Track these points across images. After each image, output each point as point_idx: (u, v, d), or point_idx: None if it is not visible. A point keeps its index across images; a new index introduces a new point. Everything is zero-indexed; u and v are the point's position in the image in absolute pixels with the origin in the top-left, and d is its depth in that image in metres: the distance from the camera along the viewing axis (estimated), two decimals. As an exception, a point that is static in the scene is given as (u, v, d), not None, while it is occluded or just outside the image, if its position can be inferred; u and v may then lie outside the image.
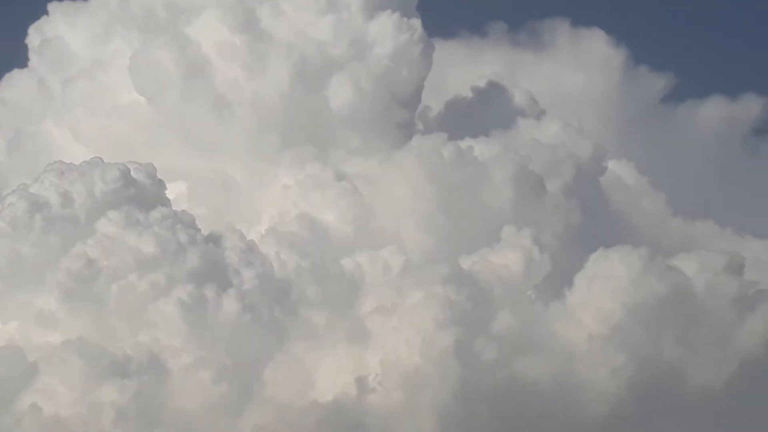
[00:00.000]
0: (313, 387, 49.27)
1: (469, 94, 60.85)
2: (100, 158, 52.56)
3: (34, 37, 61.31)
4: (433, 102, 60.42)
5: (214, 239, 51.74)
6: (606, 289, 50.20)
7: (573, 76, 67.54)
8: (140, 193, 51.77)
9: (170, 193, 53.42)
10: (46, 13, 61.21)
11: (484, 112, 59.34)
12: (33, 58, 61.26)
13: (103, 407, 46.80)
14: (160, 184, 52.54)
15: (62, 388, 47.39)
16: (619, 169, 59.98)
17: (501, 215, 52.98)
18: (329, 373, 49.39)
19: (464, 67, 65.82)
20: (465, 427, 48.79)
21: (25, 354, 48.18)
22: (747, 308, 51.44)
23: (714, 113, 71.57)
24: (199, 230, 51.35)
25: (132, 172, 52.01)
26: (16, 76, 61.53)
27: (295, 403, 48.73)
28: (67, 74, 59.72)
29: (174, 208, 52.31)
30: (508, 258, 50.65)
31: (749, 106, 71.19)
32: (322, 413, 48.35)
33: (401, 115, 57.42)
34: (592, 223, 55.22)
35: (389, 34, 57.32)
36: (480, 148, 55.29)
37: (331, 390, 49.01)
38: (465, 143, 55.35)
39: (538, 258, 50.59)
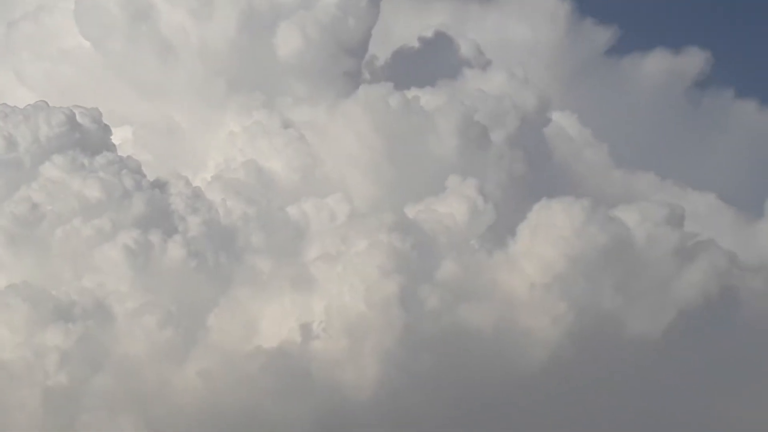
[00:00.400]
0: (257, 333, 49.57)
1: (416, 44, 60.89)
2: (45, 102, 52.25)
3: (-22, -20, 60.70)
4: (380, 51, 60.49)
5: (159, 185, 51.74)
6: (548, 239, 50.81)
7: (519, 27, 67.64)
8: (85, 138, 51.65)
9: (115, 139, 53.34)
10: (-7, -45, 60.83)
11: (430, 62, 59.43)
12: (-24, 2, 60.77)
13: (48, 351, 46.86)
14: (106, 129, 52.39)
15: (6, 332, 47.41)
16: (562, 121, 60.39)
17: (446, 165, 53.34)
18: (274, 320, 49.69)
19: (411, 17, 65.81)
20: (408, 373, 49.30)
21: (-32, 297, 48.07)
22: (686, 259, 52.33)
23: (657, 66, 72.06)
24: (144, 176, 51.33)
25: (77, 117, 51.80)
26: (-41, 19, 60.88)
27: (239, 349, 49.02)
28: (11, 17, 59.43)
29: (119, 154, 52.18)
30: (453, 207, 51.08)
31: (692, 59, 71.71)
32: (266, 359, 48.66)
33: (348, 63, 57.45)
34: (535, 173, 55.70)
35: (336, -19, 57.14)
36: (426, 98, 55.46)
37: (276, 336, 49.32)
38: (411, 93, 55.50)
39: (482, 207, 51.06)
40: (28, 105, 52.42)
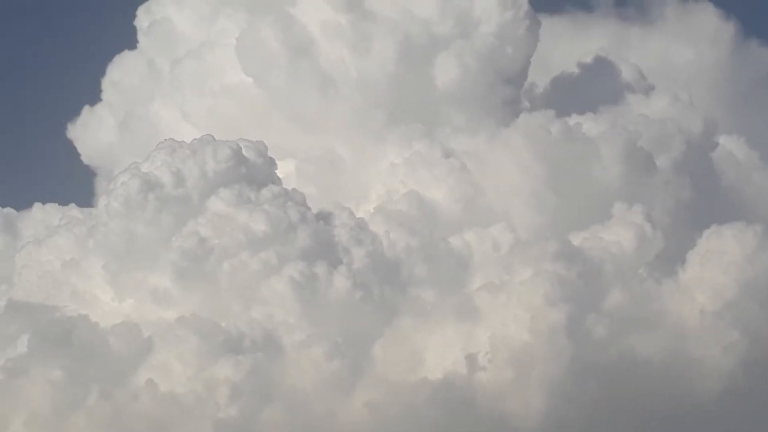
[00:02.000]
0: (422, 364, 49.50)
1: (576, 70, 60.33)
2: (211, 136, 52.92)
3: (143, 18, 61.89)
4: (539, 78, 60.05)
5: (323, 217, 52.08)
6: (719, 266, 49.71)
7: (682, 50, 66.62)
8: (251, 172, 52.14)
9: (279, 172, 53.78)
10: (156, -6, 62.07)
11: (591, 88, 58.77)
12: (142, 40, 61.94)
13: (218, 384, 47.47)
14: (271, 162, 52.88)
15: (177, 364, 48.19)
16: (729, 144, 59.14)
17: (611, 192, 52.62)
18: (438, 351, 49.58)
19: (570, 43, 65.27)
20: (575, 404, 48.64)
21: (141, 330, 49.04)
22: None
23: (826, 86, 70.14)
24: (309, 208, 51.68)
25: (243, 150, 52.31)
26: (125, 57, 62.15)
27: (405, 380, 49.03)
28: (175, 55, 60.30)
29: (284, 186, 52.61)
30: (620, 234, 50.33)
31: None
32: (431, 390, 48.58)
33: (507, 92, 57.17)
34: (703, 199, 54.57)
35: (494, 10, 56.95)
36: (588, 124, 54.86)
37: (441, 367, 49.20)
38: (573, 120, 54.94)
39: (650, 234, 50.20)
40: (195, 139, 53.19)
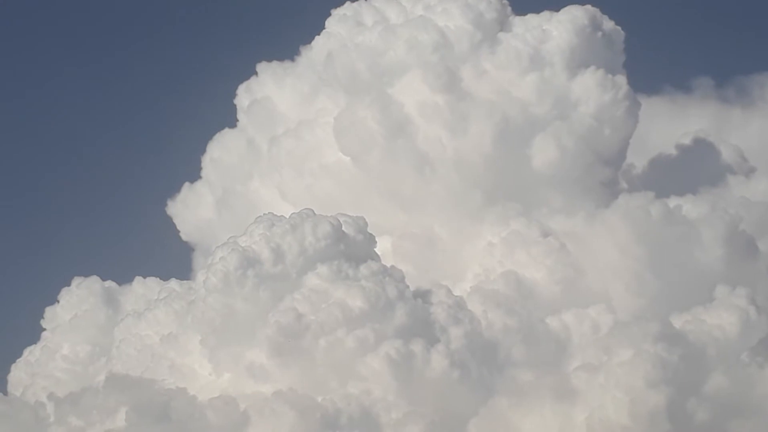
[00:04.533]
0: (519, 446, 48.91)
1: (675, 152, 60.00)
2: (311, 210, 52.99)
3: (243, 97, 62.73)
4: (637, 159, 59.74)
5: (421, 295, 51.94)
6: (825, 352, 48.62)
7: (783, 131, 65.97)
8: (350, 247, 52.16)
9: (377, 249, 53.81)
10: (255, 73, 62.91)
11: (691, 170, 58.41)
12: (242, 118, 62.68)
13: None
14: (371, 239, 52.91)
15: (273, 440, 48.11)
16: (833, 229, 58.10)
17: (712, 275, 51.97)
18: (535, 431, 48.90)
19: (669, 124, 64.86)
20: (675, 490, 47.67)
21: (237, 404, 49.11)
22: None
23: None
24: (407, 286, 51.57)
25: (343, 226, 52.39)
26: (226, 135, 62.85)
27: (501, 460, 48.46)
28: (274, 133, 60.84)
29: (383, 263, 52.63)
30: (723, 318, 49.58)
31: None
32: (528, 471, 47.97)
33: (605, 173, 56.96)
34: (807, 284, 53.59)
35: (593, 92, 56.87)
36: (688, 206, 54.39)
37: (537, 448, 48.57)
38: (673, 202, 54.48)
39: (754, 318, 49.35)
40: (294, 213, 53.06)
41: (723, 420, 47.99)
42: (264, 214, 53.66)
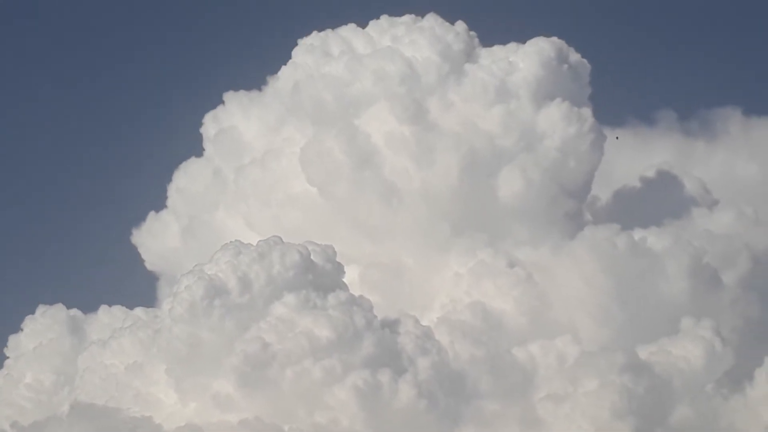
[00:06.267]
0: (483, 476, 48.94)
1: (639, 184, 60.37)
2: (279, 237, 52.79)
3: (209, 126, 62.58)
4: (602, 191, 60.11)
5: (389, 324, 51.93)
6: (788, 384, 49.06)
7: (746, 165, 66.49)
8: (318, 276, 52.03)
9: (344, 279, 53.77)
10: (222, 102, 62.83)
11: (655, 202, 58.76)
12: (208, 147, 62.50)
13: (279, 490, 47.15)
14: (339, 268, 52.83)
15: (242, 468, 47.84)
16: (798, 261, 58.70)
17: (678, 306, 52.36)
18: (501, 462, 49.03)
19: (633, 156, 65.33)
20: None
21: (203, 434, 48.88)
22: None
23: None
24: (375, 316, 51.55)
25: (311, 255, 52.27)
26: (192, 164, 62.67)
27: (466, 491, 48.48)
28: (240, 163, 60.66)
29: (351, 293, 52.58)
30: (688, 349, 49.94)
31: None
32: (492, 503, 47.99)
33: (570, 205, 57.29)
34: (770, 315, 54.12)
35: (559, 124, 57.18)
36: (652, 238, 54.71)
37: (502, 479, 48.62)
38: (637, 234, 54.83)
39: (720, 350, 49.71)
40: (261, 241, 52.83)
41: (688, 451, 48.34)
42: (231, 241, 53.44)
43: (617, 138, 60.82)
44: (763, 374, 49.82)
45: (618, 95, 76.13)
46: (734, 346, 50.49)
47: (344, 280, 52.94)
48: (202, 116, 62.81)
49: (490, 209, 56.92)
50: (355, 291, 53.56)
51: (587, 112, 57.26)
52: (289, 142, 60.01)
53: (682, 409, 48.83)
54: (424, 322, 52.79)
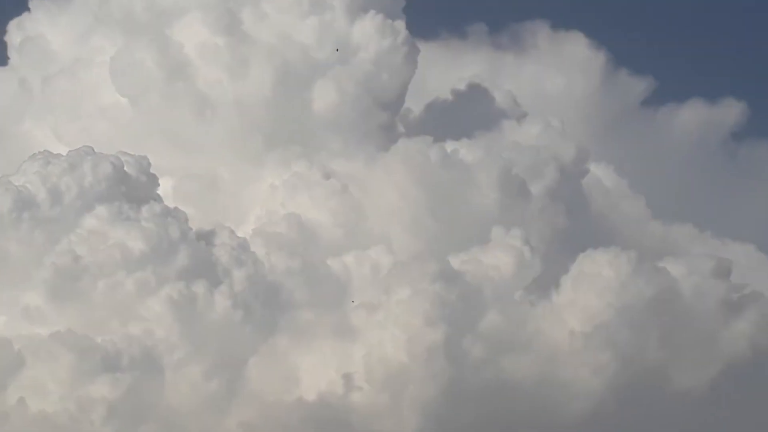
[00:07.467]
0: (298, 384, 49.55)
1: (451, 97, 61.16)
2: (90, 147, 51.77)
3: (14, 34, 60.99)
4: (415, 104, 60.77)
5: (204, 236, 51.75)
6: (592, 290, 50.79)
7: (554, 78, 68.03)
8: (132, 188, 51.42)
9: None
10: (28, 9, 61.20)
11: (466, 114, 59.63)
12: (13, 56, 60.97)
13: (93, 403, 46.63)
14: (153, 179, 52.26)
15: (50, 382, 47.25)
16: (599, 172, 60.57)
17: (488, 217, 53.44)
18: (314, 370, 49.64)
19: (445, 69, 66.02)
20: (449, 425, 49.17)
21: (12, 346, 47.87)
22: (733, 312, 52.17)
23: (693, 117, 72.60)
24: (190, 228, 51.29)
25: (125, 166, 51.47)
26: (-5, 73, 61.15)
27: (280, 400, 49.02)
28: (47, 72, 59.31)
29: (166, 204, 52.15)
30: (498, 258, 51.12)
31: (728, 111, 72.23)
32: (306, 411, 48.68)
33: (383, 117, 57.76)
34: (575, 225, 55.74)
35: (373, 37, 57.49)
36: (464, 150, 55.69)
37: (316, 387, 49.33)
38: (450, 146, 55.73)
39: (528, 258, 51.08)
40: (72, 151, 51.87)
41: (496, 357, 49.62)
42: (39, 151, 52.25)
43: None
44: (568, 281, 51.27)
45: (431, 8, 76.51)
46: (541, 254, 51.94)
47: (158, 192, 52.46)
48: (6, 24, 61.36)
49: (304, 121, 57.03)
50: (170, 203, 53.17)
51: (401, 24, 57.66)
52: (99, 51, 58.87)
53: (491, 315, 50.00)
54: (240, 234, 52.78)
